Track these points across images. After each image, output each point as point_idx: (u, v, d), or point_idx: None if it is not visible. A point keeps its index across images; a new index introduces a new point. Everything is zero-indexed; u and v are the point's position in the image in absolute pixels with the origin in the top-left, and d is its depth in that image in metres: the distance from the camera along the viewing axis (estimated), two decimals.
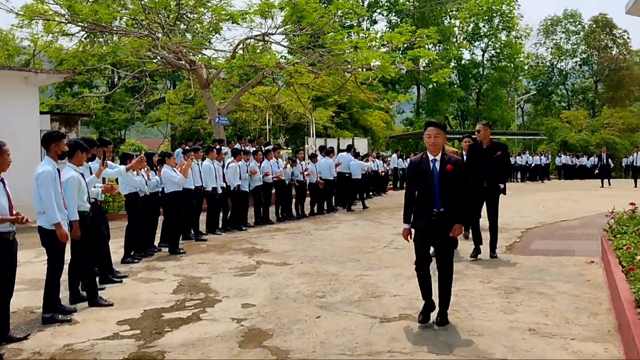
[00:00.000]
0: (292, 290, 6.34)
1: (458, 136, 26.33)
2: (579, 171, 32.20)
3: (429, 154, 4.90)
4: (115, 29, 18.64)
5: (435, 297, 5.00)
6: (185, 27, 20.51)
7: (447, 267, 4.89)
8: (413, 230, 4.98)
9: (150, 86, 23.98)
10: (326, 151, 15.25)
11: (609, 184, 23.63)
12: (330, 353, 4.34)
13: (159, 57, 18.98)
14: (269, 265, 7.83)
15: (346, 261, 7.94)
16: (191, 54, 18.86)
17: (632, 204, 7.45)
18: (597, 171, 25.78)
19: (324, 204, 14.73)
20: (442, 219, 4.80)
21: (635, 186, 22.73)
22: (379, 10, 44.70)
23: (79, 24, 17.23)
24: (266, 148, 13.57)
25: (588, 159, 32.60)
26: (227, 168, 11.66)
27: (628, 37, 47.87)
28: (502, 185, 7.73)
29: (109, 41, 20.50)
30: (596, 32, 47.88)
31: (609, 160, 24.96)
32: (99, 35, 20.62)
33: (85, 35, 20.06)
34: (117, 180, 8.23)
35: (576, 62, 50.93)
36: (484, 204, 7.78)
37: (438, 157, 4.86)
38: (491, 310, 5.33)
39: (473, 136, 8.34)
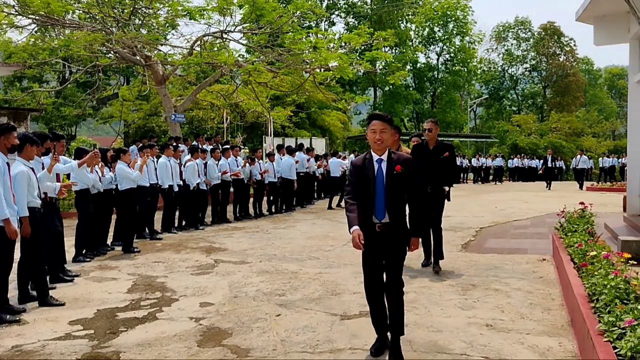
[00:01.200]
0: (252, 289, 6.26)
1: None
2: (528, 173, 33.26)
3: (373, 154, 4.10)
4: (67, 22, 17.99)
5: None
6: (140, 22, 20.00)
7: (395, 288, 4.06)
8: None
9: (103, 82, 23.29)
10: (289, 150, 15.21)
11: (549, 187, 23.82)
12: (292, 351, 4.30)
13: (112, 52, 18.46)
14: (227, 264, 7.71)
15: (305, 259, 7.91)
16: (146, 50, 18.41)
17: (581, 203, 7.71)
18: (540, 172, 26.47)
19: (282, 203, 14.69)
20: (387, 232, 4.01)
21: (581, 189, 23.53)
22: (337, 12, 45.04)
23: (30, 16, 16.53)
24: (225, 147, 13.38)
25: (540, 162, 33.75)
26: (184, 166, 11.44)
27: (574, 45, 49.87)
28: (447, 189, 7.03)
29: (61, 35, 19.79)
30: (545, 40, 49.66)
31: (555, 163, 25.57)
32: (51, 28, 19.88)
33: (36, 28, 19.28)
34: (68, 176, 7.90)
35: (526, 68, 52.68)
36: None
37: (384, 157, 4.07)
38: (449, 307, 5.41)
39: (423, 138, 7.43)
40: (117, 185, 9.03)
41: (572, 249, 5.78)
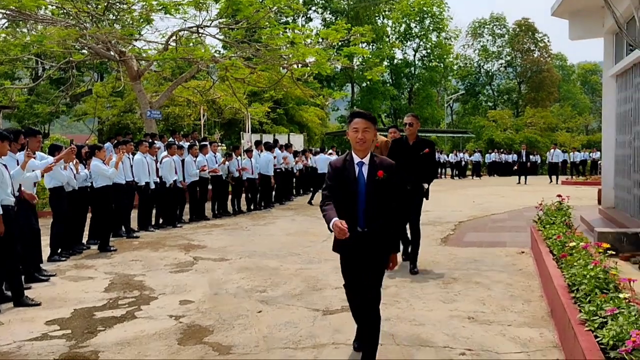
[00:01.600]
0: (232, 286, 6.19)
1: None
2: (505, 168, 33.67)
3: (354, 155, 3.70)
4: (40, 17, 17.56)
5: None
6: (114, 17, 19.64)
7: (372, 303, 3.66)
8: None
9: (77, 78, 22.86)
10: (267, 146, 15.11)
11: (525, 181, 24.16)
12: (274, 347, 4.25)
13: (86, 48, 18.08)
14: (206, 261, 7.62)
15: (286, 255, 7.86)
16: (121, 45, 18.10)
17: (559, 195, 7.81)
18: (515, 168, 26.78)
19: (261, 200, 14.60)
20: (366, 242, 3.64)
21: (551, 182, 23.85)
22: (314, 8, 44.91)
23: (0, 11, 16.12)
24: (202, 143, 13.23)
25: (517, 157, 34.20)
26: (161, 163, 11.28)
27: (548, 41, 50.53)
28: (426, 186, 6.67)
29: (33, 30, 19.33)
30: (520, 36, 50.18)
31: (529, 157, 25.92)
32: (23, 23, 19.41)
33: (7, 24, 18.81)
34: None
35: (501, 63, 53.18)
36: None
37: (366, 160, 3.67)
38: (431, 300, 5.42)
39: (403, 133, 7.10)
40: (92, 182, 8.85)
41: (551, 240, 5.84)
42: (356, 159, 3.69)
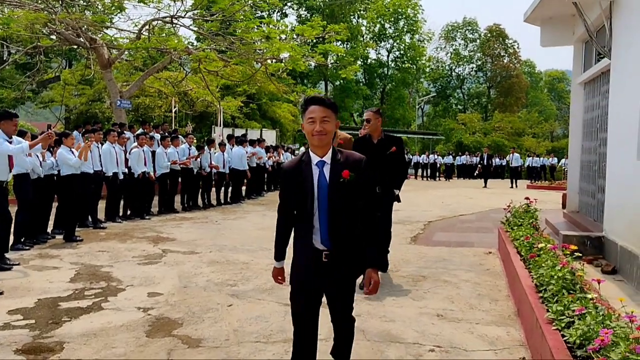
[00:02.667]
0: (202, 279, 6.13)
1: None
2: (473, 170, 34.22)
3: (312, 154, 2.90)
4: None
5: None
6: (85, 3, 19.18)
7: (346, 323, 3.12)
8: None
9: (44, 64, 22.22)
10: (238, 140, 15.00)
11: (485, 184, 24.20)
12: (245, 340, 4.22)
13: (55, 33, 17.60)
14: (176, 254, 7.52)
15: (257, 250, 7.82)
16: (91, 32, 17.69)
17: (527, 198, 7.98)
18: (476, 173, 26.95)
19: (231, 194, 14.50)
20: (334, 263, 2.89)
21: (512, 186, 24.05)
22: (289, 4, 44.80)
23: None
24: (172, 135, 13.04)
25: (480, 160, 34.79)
26: (129, 154, 11.07)
27: (518, 47, 51.59)
28: (397, 192, 6.01)
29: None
30: (490, 41, 51.10)
31: (491, 160, 25.97)
32: None
33: None
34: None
35: (472, 68, 54.09)
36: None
37: (328, 159, 2.88)
38: (401, 297, 5.47)
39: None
40: (59, 170, 8.63)
41: (519, 241, 5.96)
42: (314, 158, 2.89)
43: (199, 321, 4.68)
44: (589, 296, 3.48)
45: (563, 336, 3.24)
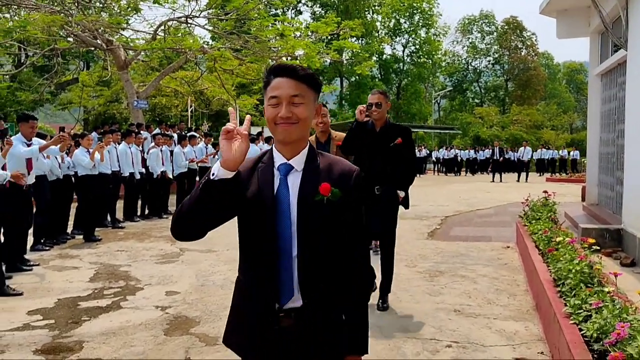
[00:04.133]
0: (219, 277, 6.17)
1: None
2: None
3: (275, 154, 1.78)
4: (24, 2, 17.28)
5: None
6: (101, 5, 19.39)
7: None
8: None
9: (62, 66, 22.52)
10: (253, 138, 15.06)
11: (500, 179, 23.64)
12: None
13: (72, 35, 17.84)
14: (193, 252, 7.58)
15: None
16: (108, 34, 17.89)
17: (545, 191, 7.88)
18: (490, 169, 26.41)
19: None
20: (301, 329, 1.73)
21: (518, 180, 23.51)
22: (304, 1, 44.80)
23: None
24: (190, 134, 13.14)
25: (491, 154, 34.28)
26: (147, 154, 11.18)
27: (536, 40, 51.02)
28: (402, 194, 4.82)
29: (16, 16, 19.01)
30: (508, 34, 50.56)
31: (502, 154, 25.39)
32: (5, 9, 19.06)
33: None
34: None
35: (489, 61, 53.59)
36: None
37: (297, 163, 1.76)
38: (418, 293, 5.45)
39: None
40: (76, 171, 8.75)
41: (537, 235, 5.89)
42: (278, 160, 1.78)
43: (216, 319, 4.71)
44: (606, 289, 3.43)
45: (580, 330, 3.20)
